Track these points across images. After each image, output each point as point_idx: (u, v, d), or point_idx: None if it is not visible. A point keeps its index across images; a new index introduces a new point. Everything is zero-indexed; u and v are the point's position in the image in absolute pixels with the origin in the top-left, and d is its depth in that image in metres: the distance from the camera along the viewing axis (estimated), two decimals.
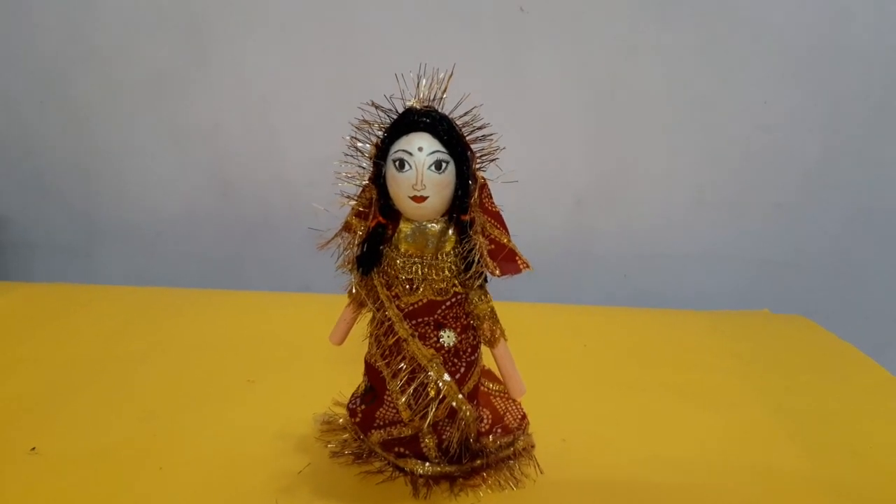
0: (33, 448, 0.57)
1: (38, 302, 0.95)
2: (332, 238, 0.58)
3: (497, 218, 0.54)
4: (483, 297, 0.54)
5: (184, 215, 1.24)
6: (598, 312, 1.00)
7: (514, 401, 0.61)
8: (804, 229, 1.17)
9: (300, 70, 1.15)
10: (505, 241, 0.54)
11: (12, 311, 0.91)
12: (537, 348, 0.77)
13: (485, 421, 0.58)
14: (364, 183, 0.56)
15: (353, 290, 0.57)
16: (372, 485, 0.53)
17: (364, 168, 0.55)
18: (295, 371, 0.74)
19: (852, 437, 0.63)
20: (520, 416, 0.60)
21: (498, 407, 0.60)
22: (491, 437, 0.57)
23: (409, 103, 0.52)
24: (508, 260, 0.53)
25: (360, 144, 0.54)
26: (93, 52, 1.15)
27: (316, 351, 0.77)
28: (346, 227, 0.57)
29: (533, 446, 0.58)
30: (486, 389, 0.60)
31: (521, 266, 0.54)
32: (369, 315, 0.58)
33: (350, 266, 0.57)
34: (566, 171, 1.17)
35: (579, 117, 1.14)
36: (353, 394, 0.60)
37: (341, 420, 0.62)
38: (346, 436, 0.59)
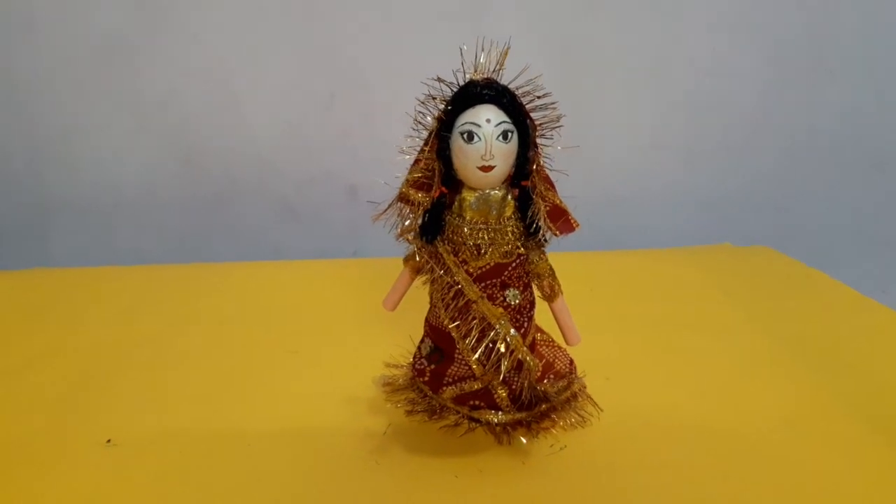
0: (108, 440, 0.57)
1: (45, 288, 0.92)
2: (387, 209, 0.60)
3: (549, 181, 0.58)
4: (542, 256, 0.59)
5: (143, 188, 1.20)
6: (577, 258, 1.05)
7: (559, 347, 0.66)
8: (749, 167, 1.27)
9: (261, 31, 1.12)
10: (558, 202, 0.58)
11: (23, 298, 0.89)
12: None
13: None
14: (417, 156, 0.58)
15: (417, 258, 0.59)
16: (456, 437, 0.57)
17: (419, 139, 0.57)
18: (331, 339, 0.76)
19: (844, 354, 0.72)
20: (568, 361, 0.65)
21: (546, 354, 0.65)
22: (546, 382, 0.62)
23: (468, 76, 0.55)
24: (564, 220, 0.58)
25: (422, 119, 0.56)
26: (33, 18, 1.07)
27: (344, 317, 0.80)
28: (402, 197, 0.59)
29: (585, 387, 0.63)
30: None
31: (574, 224, 0.58)
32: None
33: (413, 235, 0.59)
34: None
35: (538, 70, 1.17)
36: (416, 355, 0.63)
37: (401, 380, 0.65)
38: (412, 395, 0.63)
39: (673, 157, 1.26)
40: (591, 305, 0.85)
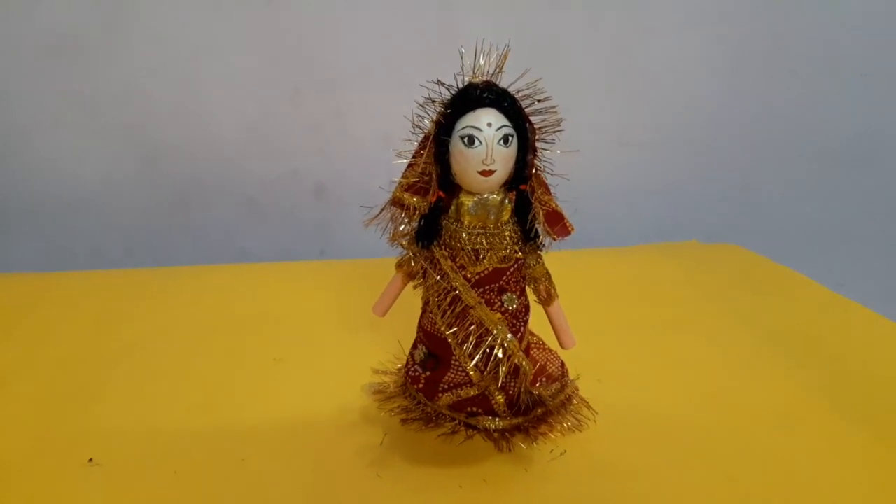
0: (90, 459, 0.54)
1: (4, 296, 0.88)
2: (378, 214, 0.58)
3: (545, 184, 0.58)
4: (539, 260, 0.58)
5: (103, 188, 1.15)
6: (547, 258, 1.06)
7: (550, 350, 0.66)
8: (710, 163, 1.30)
9: (223, 25, 1.08)
10: (554, 205, 0.58)
11: None
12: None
13: None
14: (411, 160, 0.57)
15: (412, 263, 0.58)
16: (455, 445, 0.56)
17: (415, 143, 0.56)
18: (315, 345, 0.74)
19: (824, 350, 0.74)
20: (559, 364, 0.65)
21: (538, 358, 0.65)
22: (539, 385, 0.62)
23: (467, 78, 0.54)
24: (560, 224, 0.57)
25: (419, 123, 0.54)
26: None
27: (326, 322, 0.79)
28: (396, 202, 0.57)
29: (577, 390, 0.63)
30: None
31: (570, 228, 0.58)
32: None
33: (407, 240, 0.58)
34: None
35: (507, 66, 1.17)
36: (408, 362, 0.62)
37: (392, 387, 0.64)
38: (405, 402, 0.62)
39: (637, 153, 1.28)
40: (571, 307, 0.84)
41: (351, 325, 0.78)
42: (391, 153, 1.31)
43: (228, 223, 1.21)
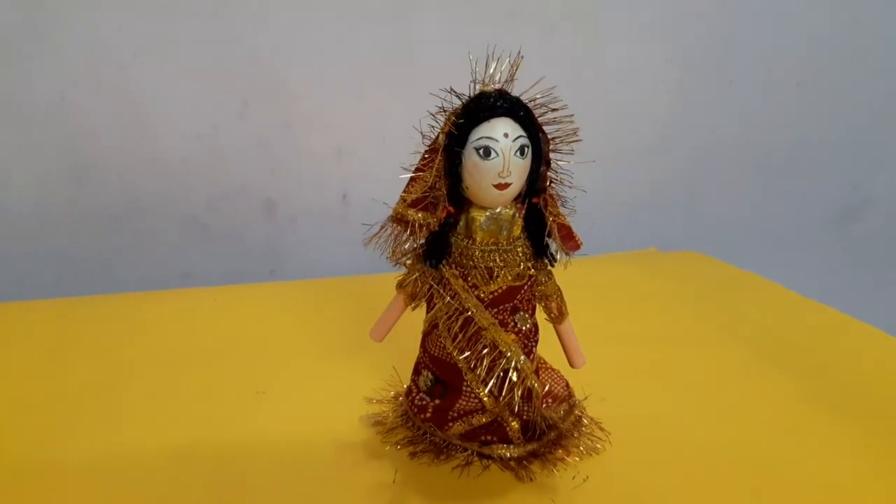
0: None
1: None
2: (379, 231, 0.54)
3: (554, 197, 0.55)
4: (550, 277, 0.56)
5: (30, 210, 1.04)
6: None
7: (554, 370, 0.63)
8: (659, 172, 1.32)
9: (164, 31, 1.01)
10: (563, 219, 0.55)
11: None
12: None
13: None
14: (413, 174, 0.53)
15: (418, 284, 0.54)
16: (472, 478, 0.52)
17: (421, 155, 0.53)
18: (296, 373, 0.68)
19: (805, 353, 0.75)
20: (564, 384, 0.62)
21: (544, 379, 0.62)
22: (545, 407, 0.59)
23: (478, 87, 0.51)
24: (572, 238, 0.55)
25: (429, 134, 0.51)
26: None
27: (303, 348, 0.74)
28: (398, 218, 0.53)
29: (585, 410, 0.61)
30: None
31: (579, 242, 0.56)
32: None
33: (410, 259, 0.54)
34: None
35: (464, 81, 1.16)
36: (411, 390, 0.58)
37: (391, 417, 0.60)
38: (408, 433, 0.58)
39: (588, 164, 1.28)
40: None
41: (329, 350, 0.73)
42: (344, 168, 1.26)
43: (170, 245, 1.13)
